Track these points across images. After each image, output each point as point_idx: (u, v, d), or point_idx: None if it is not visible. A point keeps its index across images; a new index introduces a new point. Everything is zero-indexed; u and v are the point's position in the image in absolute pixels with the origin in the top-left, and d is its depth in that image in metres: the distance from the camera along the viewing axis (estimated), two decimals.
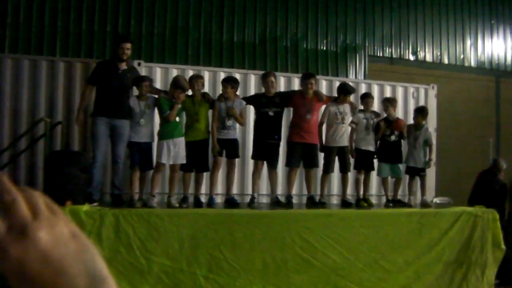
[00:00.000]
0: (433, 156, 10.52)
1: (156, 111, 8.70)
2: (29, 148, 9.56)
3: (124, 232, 7.40)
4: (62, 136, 9.72)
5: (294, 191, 9.68)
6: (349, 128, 9.67)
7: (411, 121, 10.42)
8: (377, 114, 9.95)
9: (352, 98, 9.92)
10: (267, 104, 9.17)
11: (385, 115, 9.98)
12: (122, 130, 8.55)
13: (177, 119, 8.55)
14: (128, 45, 8.76)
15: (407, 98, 11.78)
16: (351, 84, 10.26)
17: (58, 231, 0.81)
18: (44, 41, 11.62)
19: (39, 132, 9.58)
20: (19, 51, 11.17)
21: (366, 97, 9.99)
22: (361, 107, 9.93)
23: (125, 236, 7.37)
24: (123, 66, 8.80)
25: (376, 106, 10.39)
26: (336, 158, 9.65)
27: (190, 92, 8.86)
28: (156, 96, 8.79)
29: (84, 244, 0.83)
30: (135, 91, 8.81)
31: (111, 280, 0.83)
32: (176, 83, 8.63)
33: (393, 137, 9.74)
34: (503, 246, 9.18)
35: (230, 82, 9.16)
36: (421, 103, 11.59)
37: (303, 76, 9.61)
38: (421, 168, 10.02)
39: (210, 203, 8.88)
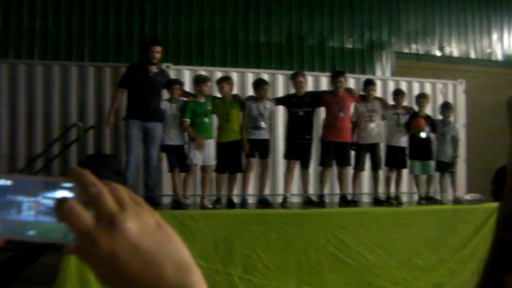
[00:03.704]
0: (461, 153, 10.49)
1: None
2: (62, 153, 9.63)
3: None
4: (95, 140, 9.81)
5: (325, 190, 9.64)
6: (381, 125, 9.65)
7: (439, 117, 10.36)
8: (408, 110, 9.87)
9: (382, 94, 9.92)
10: (297, 104, 9.16)
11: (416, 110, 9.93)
12: (155, 132, 8.59)
13: (206, 120, 8.61)
14: (158, 48, 8.79)
15: (435, 94, 11.70)
16: (378, 81, 10.27)
17: (144, 222, 0.81)
18: (73, 47, 11.71)
19: (70, 137, 9.67)
20: (49, 58, 11.25)
21: (397, 94, 9.92)
22: (392, 103, 9.87)
23: None
24: (154, 69, 8.83)
25: (406, 102, 10.29)
26: (368, 156, 9.64)
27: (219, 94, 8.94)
28: (186, 99, 8.83)
29: (169, 234, 0.83)
30: (166, 94, 8.85)
31: (196, 268, 0.83)
32: (197, 78, 8.86)
33: (423, 134, 9.68)
34: None
35: (266, 83, 9.21)
36: (450, 99, 11.52)
37: (333, 75, 9.57)
38: (449, 163, 9.98)
39: (243, 203, 8.89)
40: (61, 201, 0.80)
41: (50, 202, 0.84)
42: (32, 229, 0.85)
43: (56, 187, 0.85)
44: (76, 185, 0.82)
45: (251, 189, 9.55)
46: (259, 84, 9.16)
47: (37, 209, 0.85)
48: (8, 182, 0.86)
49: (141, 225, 0.81)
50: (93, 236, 0.78)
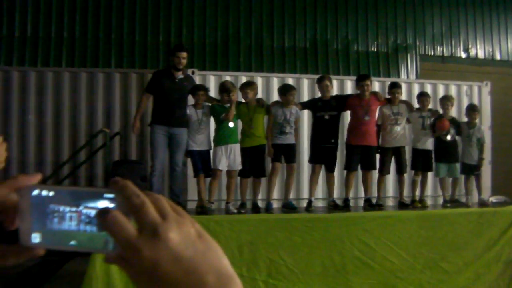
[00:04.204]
0: (486, 155, 10.41)
1: (212, 119, 8.80)
2: (89, 159, 9.75)
3: None
4: (121, 146, 9.91)
5: (350, 194, 9.62)
6: (406, 129, 9.64)
7: (464, 119, 10.32)
8: (433, 113, 9.84)
9: (407, 97, 9.90)
10: (323, 108, 9.18)
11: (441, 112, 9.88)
12: (181, 138, 8.65)
13: (231, 124, 8.63)
14: (184, 54, 8.84)
15: (461, 96, 11.65)
16: (403, 84, 10.27)
17: (186, 231, 0.83)
18: (99, 54, 11.86)
19: (97, 143, 9.78)
20: (76, 65, 11.41)
21: (422, 96, 9.89)
22: (418, 106, 9.84)
23: None
24: (180, 75, 8.89)
25: (431, 105, 10.25)
26: (392, 159, 9.62)
27: (241, 98, 8.97)
28: (210, 104, 8.88)
29: (210, 243, 0.85)
30: (191, 99, 8.90)
31: (236, 278, 0.85)
32: (220, 87, 8.83)
33: (449, 137, 9.64)
34: None
35: (293, 89, 9.21)
36: (475, 100, 11.45)
37: (358, 78, 9.58)
38: (475, 165, 9.94)
39: (268, 208, 8.89)
40: (104, 211, 0.82)
41: (91, 212, 0.86)
42: (73, 238, 0.87)
43: (97, 197, 0.87)
44: (118, 195, 0.85)
45: (276, 193, 9.59)
46: (286, 89, 9.16)
47: (78, 219, 0.87)
48: (51, 193, 0.88)
49: (183, 235, 0.82)
50: (136, 246, 0.80)
